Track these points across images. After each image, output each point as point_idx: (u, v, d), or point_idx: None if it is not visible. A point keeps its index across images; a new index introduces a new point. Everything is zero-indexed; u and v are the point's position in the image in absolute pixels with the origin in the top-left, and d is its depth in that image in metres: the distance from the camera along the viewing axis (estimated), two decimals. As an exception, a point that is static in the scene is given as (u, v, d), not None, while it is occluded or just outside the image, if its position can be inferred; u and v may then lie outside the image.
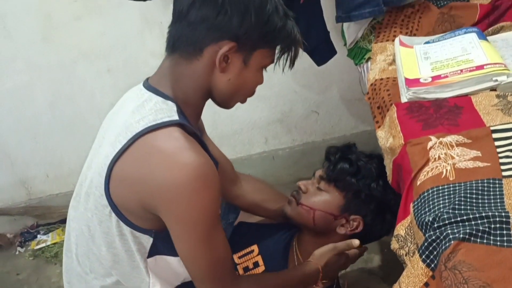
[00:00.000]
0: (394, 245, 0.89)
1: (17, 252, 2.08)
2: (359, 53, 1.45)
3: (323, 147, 2.01)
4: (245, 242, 1.26)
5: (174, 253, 0.92)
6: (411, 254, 0.85)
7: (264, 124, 1.94)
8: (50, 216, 2.14)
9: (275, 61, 0.96)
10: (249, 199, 1.27)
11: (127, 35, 1.79)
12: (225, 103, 0.97)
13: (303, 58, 1.19)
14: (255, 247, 1.25)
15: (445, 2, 1.41)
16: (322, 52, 1.52)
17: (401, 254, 0.88)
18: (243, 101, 0.99)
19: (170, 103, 0.90)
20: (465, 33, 1.25)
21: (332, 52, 1.56)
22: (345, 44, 1.53)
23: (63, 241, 1.97)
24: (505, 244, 0.72)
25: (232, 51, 0.89)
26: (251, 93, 0.98)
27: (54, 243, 2.04)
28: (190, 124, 0.92)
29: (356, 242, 1.15)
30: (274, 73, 1.02)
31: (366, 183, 1.19)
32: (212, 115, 1.87)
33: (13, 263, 2.05)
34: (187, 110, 0.92)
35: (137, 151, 0.85)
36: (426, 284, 0.77)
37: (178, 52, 0.91)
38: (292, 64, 0.98)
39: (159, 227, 0.90)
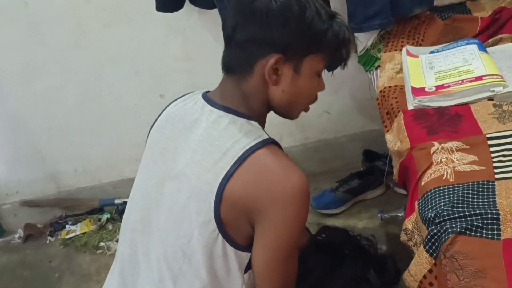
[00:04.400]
0: (403, 237, 0.98)
1: (47, 241, 2.20)
2: (369, 61, 1.55)
3: (334, 144, 2.15)
4: None
5: None
6: (418, 245, 0.94)
7: (279, 122, 1.99)
8: (78, 208, 2.25)
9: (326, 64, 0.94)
10: None
11: (152, 41, 1.87)
12: (287, 114, 0.97)
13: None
14: None
15: (449, 14, 1.50)
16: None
17: (410, 245, 0.97)
18: (306, 109, 0.99)
19: (253, 122, 0.92)
20: (467, 44, 1.33)
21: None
22: (356, 51, 1.65)
23: (92, 231, 2.14)
24: (495, 237, 0.81)
25: (280, 63, 0.89)
26: (312, 99, 0.97)
27: (83, 233, 2.16)
28: None
29: None
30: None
31: None
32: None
33: (45, 251, 2.16)
34: (261, 125, 0.94)
35: (245, 173, 0.85)
36: (430, 270, 0.87)
37: (235, 73, 0.93)
38: (344, 64, 0.97)
39: None
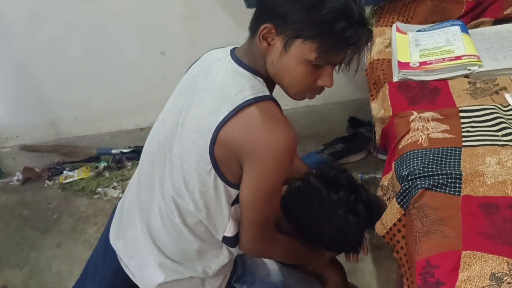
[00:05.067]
0: (379, 192, 1.13)
1: (45, 185, 2.30)
2: (361, 34, 1.67)
3: (323, 110, 2.28)
4: None
5: None
6: (391, 199, 1.08)
7: (272, 86, 2.17)
8: (76, 155, 2.35)
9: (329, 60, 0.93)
10: None
11: (157, -1, 1.95)
12: (283, 89, 1.00)
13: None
14: None
15: (438, -5, 1.62)
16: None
17: (384, 199, 1.12)
18: (309, 96, 1.01)
19: (259, 79, 0.98)
20: (451, 25, 1.46)
21: None
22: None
23: (89, 177, 2.26)
24: (456, 193, 0.96)
25: (273, 34, 0.93)
26: (305, 87, 0.97)
27: (81, 179, 2.27)
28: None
29: None
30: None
31: None
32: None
33: (43, 193, 2.27)
34: (268, 85, 1.00)
35: (241, 120, 0.94)
36: (399, 219, 1.02)
37: (250, 33, 0.99)
38: (347, 66, 0.96)
39: None
